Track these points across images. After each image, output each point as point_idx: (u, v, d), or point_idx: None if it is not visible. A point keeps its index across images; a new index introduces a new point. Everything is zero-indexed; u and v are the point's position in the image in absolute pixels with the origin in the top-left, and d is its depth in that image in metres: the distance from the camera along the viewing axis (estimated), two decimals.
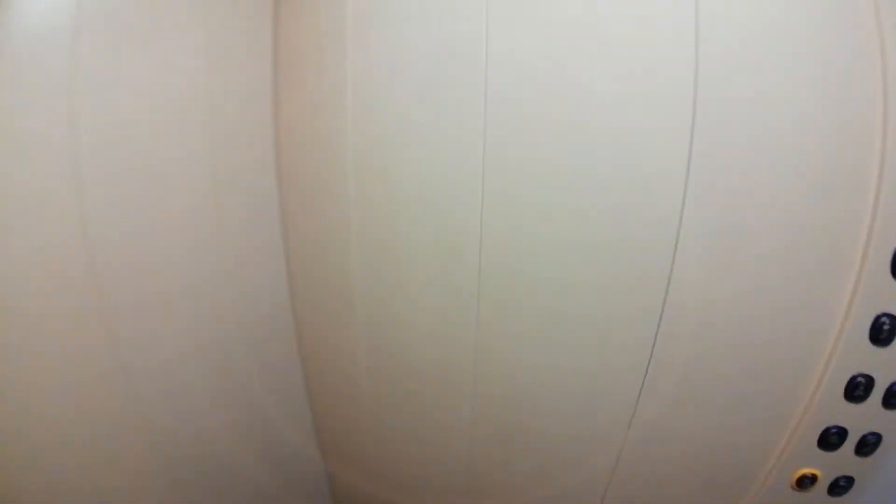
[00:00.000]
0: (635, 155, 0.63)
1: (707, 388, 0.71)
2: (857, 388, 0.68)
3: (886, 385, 0.69)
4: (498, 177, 0.69)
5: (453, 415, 0.83)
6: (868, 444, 0.72)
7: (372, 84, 0.76)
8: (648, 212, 0.65)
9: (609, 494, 0.80)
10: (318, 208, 0.85)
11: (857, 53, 0.58)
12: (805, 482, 0.73)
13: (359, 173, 0.78)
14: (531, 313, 0.74)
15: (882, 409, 0.70)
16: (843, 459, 0.72)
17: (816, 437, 0.71)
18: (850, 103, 0.60)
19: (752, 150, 0.61)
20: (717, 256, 0.65)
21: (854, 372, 0.68)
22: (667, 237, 0.64)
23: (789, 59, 0.59)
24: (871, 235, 0.62)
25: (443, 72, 0.70)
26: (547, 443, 0.82)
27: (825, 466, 0.73)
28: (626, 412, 0.74)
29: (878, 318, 0.66)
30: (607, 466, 0.77)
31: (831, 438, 0.71)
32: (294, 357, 0.93)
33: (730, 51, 0.60)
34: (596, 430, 0.78)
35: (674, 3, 0.59)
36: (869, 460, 0.73)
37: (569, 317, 0.72)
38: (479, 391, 0.79)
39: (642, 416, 0.73)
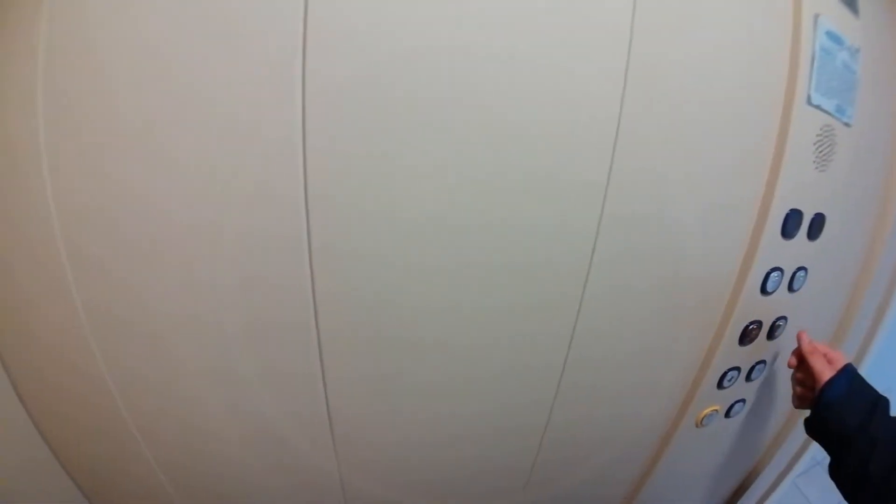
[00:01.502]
0: None
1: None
2: (750, 334, 0.71)
3: (770, 323, 0.74)
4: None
5: None
6: (756, 371, 0.78)
7: None
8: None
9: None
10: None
11: None
12: (707, 419, 0.79)
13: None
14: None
15: (767, 341, 0.75)
16: (737, 389, 0.78)
17: (716, 382, 0.75)
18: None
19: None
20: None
21: (749, 320, 0.70)
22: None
23: None
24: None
25: None
26: None
27: (722, 400, 0.79)
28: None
29: (768, 273, 0.68)
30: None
31: (729, 377, 0.75)
32: None
33: None
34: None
35: None
36: (757, 382, 0.80)
37: None
38: None
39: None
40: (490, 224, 0.54)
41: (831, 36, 0.68)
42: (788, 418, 1.02)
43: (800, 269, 0.71)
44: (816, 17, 0.64)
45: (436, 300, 0.56)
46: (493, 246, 0.55)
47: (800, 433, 1.00)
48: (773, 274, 0.68)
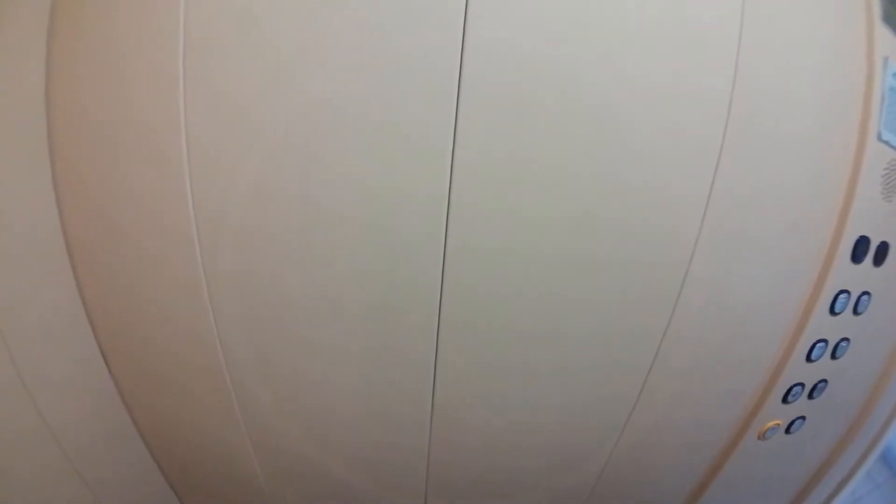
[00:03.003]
0: None
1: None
2: (815, 350, 0.76)
3: (835, 342, 0.78)
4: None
5: None
6: (818, 389, 0.82)
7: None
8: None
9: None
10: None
11: None
12: (769, 432, 0.83)
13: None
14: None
15: (831, 361, 0.79)
16: (799, 405, 0.82)
17: (781, 396, 0.79)
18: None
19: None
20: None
21: (817, 338, 0.75)
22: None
23: None
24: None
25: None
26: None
27: (785, 415, 0.83)
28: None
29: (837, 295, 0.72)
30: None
31: (793, 392, 0.79)
32: None
33: None
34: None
35: None
36: (817, 401, 0.84)
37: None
38: None
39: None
40: (603, 225, 0.61)
41: None
42: (832, 453, 1.03)
43: (864, 293, 0.76)
44: (886, 59, 0.71)
45: (548, 293, 0.63)
46: (603, 243, 0.62)
47: (841, 468, 1.02)
48: (841, 296, 0.73)
